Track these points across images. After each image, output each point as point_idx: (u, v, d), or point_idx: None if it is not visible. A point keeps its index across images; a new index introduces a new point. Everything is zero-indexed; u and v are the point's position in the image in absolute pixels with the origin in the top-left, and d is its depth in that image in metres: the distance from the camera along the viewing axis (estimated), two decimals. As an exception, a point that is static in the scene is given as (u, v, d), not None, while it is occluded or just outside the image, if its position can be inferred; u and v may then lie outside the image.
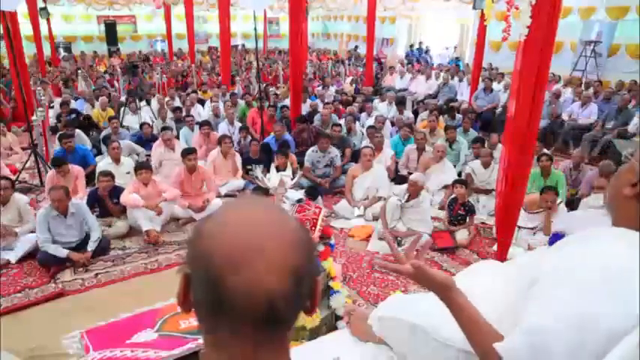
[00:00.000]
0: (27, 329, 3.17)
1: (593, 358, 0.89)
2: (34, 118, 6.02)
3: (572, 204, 4.82)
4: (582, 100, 7.97)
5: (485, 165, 5.41)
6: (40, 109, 6.28)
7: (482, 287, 1.52)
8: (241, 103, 8.83)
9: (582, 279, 0.93)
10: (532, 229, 4.43)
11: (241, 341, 0.60)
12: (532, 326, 1.00)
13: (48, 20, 14.12)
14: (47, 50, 14.57)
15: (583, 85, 9.52)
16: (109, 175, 4.70)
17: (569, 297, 0.95)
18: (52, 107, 8.67)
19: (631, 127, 7.01)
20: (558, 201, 4.38)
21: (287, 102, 8.12)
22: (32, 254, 4.09)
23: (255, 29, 7.06)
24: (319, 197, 4.92)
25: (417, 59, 16.24)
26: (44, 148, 6.27)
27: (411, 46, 17.52)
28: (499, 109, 8.57)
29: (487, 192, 5.31)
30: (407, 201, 4.49)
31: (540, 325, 0.99)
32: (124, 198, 4.62)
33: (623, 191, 0.96)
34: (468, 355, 1.47)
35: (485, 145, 5.98)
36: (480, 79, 9.50)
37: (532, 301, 1.05)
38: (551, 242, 4.02)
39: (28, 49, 10.55)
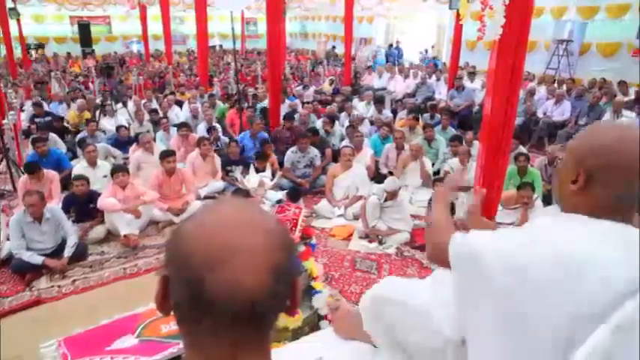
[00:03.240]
0: (2, 339, 3.08)
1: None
2: (5, 121, 5.84)
3: (548, 199, 4.93)
4: (556, 97, 8.16)
5: (463, 163, 5.49)
6: (12, 112, 6.11)
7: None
8: (220, 104, 8.75)
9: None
10: (510, 224, 4.52)
11: (221, 342, 0.60)
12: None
13: (18, 21, 13.77)
14: (18, 52, 14.20)
15: (556, 83, 9.74)
16: (83, 178, 4.61)
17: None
18: (24, 110, 8.44)
19: (602, 124, 7.20)
20: (535, 197, 4.47)
21: (267, 103, 8.09)
22: (5, 261, 3.97)
23: (233, 30, 7.02)
24: (300, 199, 4.92)
25: (395, 59, 16.37)
26: (16, 153, 6.10)
27: (390, 45, 17.66)
28: (476, 107, 8.71)
29: (465, 189, 5.38)
30: (385, 201, 4.53)
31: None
32: (101, 202, 4.52)
33: (570, 188, 1.04)
34: (455, 345, 1.50)
35: (463, 143, 6.07)
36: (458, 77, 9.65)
37: None
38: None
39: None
